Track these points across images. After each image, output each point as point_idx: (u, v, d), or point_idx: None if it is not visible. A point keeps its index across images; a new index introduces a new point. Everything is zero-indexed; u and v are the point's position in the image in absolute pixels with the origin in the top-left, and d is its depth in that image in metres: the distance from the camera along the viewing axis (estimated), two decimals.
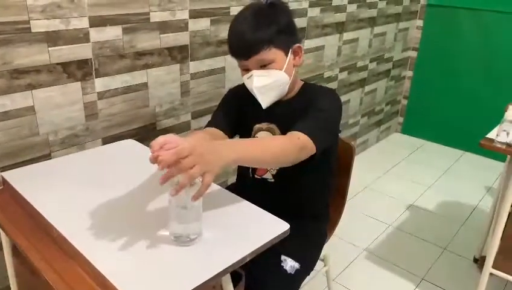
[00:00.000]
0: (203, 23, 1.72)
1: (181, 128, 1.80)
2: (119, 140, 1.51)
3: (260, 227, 1.04)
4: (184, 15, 1.63)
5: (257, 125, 1.33)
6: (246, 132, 1.37)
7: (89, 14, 1.35)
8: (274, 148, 1.07)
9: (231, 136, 1.34)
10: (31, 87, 1.28)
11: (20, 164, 1.30)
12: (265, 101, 1.24)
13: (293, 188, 1.34)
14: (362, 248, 2.20)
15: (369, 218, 2.47)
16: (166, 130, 1.73)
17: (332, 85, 2.69)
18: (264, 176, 1.36)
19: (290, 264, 1.24)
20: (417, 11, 3.34)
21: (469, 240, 2.29)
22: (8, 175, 1.18)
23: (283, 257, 1.25)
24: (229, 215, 1.08)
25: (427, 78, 3.47)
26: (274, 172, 1.35)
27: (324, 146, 1.17)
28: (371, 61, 3.00)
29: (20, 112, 1.27)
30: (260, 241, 0.97)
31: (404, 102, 3.67)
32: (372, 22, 2.83)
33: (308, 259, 1.33)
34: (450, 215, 2.54)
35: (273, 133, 1.31)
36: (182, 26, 1.64)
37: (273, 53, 1.17)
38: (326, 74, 2.59)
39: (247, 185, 1.42)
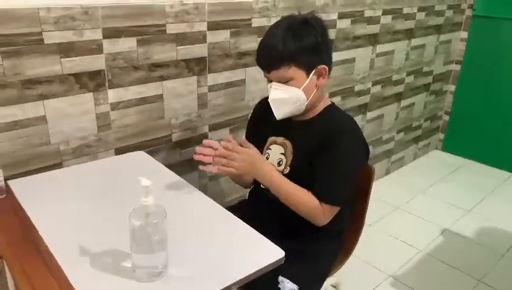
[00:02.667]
0: (223, 35, 1.69)
1: (198, 141, 1.77)
2: (133, 151, 1.51)
3: (254, 252, 0.98)
4: (202, 27, 1.61)
5: (272, 138, 1.35)
6: (260, 141, 1.38)
7: (103, 26, 1.35)
8: (301, 206, 1.21)
9: None
10: (42, 97, 1.29)
11: (31, 172, 1.31)
12: (278, 114, 1.26)
13: None
14: (388, 274, 2.06)
15: (398, 241, 2.32)
16: (181, 143, 1.71)
17: (364, 99, 2.57)
18: None
19: (288, 286, 1.18)
20: (461, 22, 3.15)
21: (509, 273, 2.08)
22: (14, 183, 1.20)
23: (281, 278, 1.19)
24: (225, 237, 1.03)
25: (470, 92, 3.26)
26: None
27: (347, 198, 1.26)
28: (408, 75, 2.85)
29: (31, 121, 1.29)
30: (251, 269, 0.91)
31: (446, 118, 3.46)
32: (409, 33, 2.69)
33: (310, 282, 1.26)
34: (489, 244, 2.33)
35: (285, 149, 1.31)
36: (199, 38, 1.62)
37: (292, 71, 1.18)
38: (357, 88, 2.49)
39: (256, 195, 1.44)
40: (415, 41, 2.78)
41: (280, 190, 1.21)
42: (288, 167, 1.29)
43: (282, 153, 1.31)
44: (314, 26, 1.17)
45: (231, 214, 1.10)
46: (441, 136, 3.53)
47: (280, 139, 1.33)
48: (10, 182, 1.19)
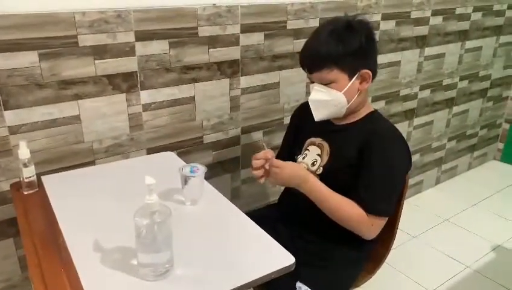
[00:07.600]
0: (256, 38, 1.68)
1: (230, 143, 1.77)
2: (164, 151, 1.54)
3: (263, 257, 0.95)
4: (235, 29, 1.61)
5: (311, 139, 1.35)
6: (299, 143, 1.38)
7: (135, 29, 1.39)
8: (347, 217, 1.18)
9: None
10: (77, 97, 1.35)
11: (65, 169, 1.38)
12: (317, 116, 1.26)
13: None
14: None
15: (444, 256, 2.17)
16: (213, 144, 1.72)
17: (411, 104, 2.45)
18: None
19: None
20: None
21: None
22: (46, 179, 1.26)
23: (298, 284, 1.16)
24: (236, 239, 1.01)
25: None
26: None
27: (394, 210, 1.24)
28: (461, 79, 2.68)
29: (66, 120, 1.36)
30: (257, 274, 0.89)
31: (506, 126, 3.20)
32: (463, 35, 2.53)
33: None
34: None
35: (322, 151, 1.30)
36: (232, 41, 1.62)
37: (334, 74, 1.17)
38: (403, 92, 2.37)
39: (287, 199, 1.44)
40: (470, 44, 2.60)
41: (325, 203, 1.19)
42: (321, 168, 1.27)
43: (318, 154, 1.30)
44: (358, 30, 1.16)
45: (245, 216, 1.09)
46: (500, 145, 3.27)
47: (318, 140, 1.32)
48: (43, 178, 1.26)
